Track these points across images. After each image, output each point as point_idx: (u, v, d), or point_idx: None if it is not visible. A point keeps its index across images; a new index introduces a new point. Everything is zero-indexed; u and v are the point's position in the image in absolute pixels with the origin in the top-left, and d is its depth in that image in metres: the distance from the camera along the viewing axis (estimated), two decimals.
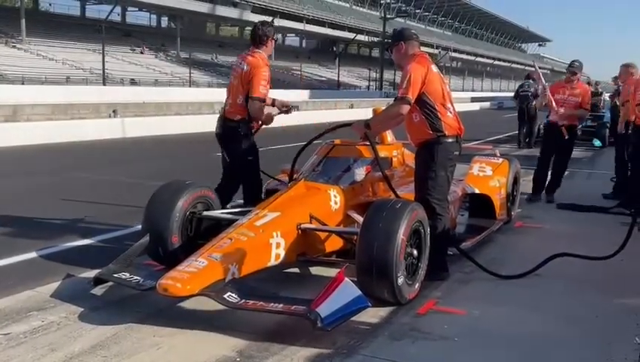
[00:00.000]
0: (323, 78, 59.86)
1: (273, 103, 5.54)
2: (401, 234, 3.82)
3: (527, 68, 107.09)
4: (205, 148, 14.87)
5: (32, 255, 5.13)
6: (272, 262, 4.04)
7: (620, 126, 8.24)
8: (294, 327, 3.54)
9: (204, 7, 48.27)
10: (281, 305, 3.51)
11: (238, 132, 5.26)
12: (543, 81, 8.55)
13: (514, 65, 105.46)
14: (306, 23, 58.49)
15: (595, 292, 4.40)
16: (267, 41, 5.37)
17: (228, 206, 5.30)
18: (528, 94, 15.88)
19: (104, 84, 33.53)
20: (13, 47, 38.51)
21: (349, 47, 68.32)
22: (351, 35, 63.37)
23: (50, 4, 52.81)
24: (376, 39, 64.63)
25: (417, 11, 79.95)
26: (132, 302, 3.99)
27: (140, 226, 4.68)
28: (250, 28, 59.06)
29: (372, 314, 3.78)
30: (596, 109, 14.84)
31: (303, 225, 4.24)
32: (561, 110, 7.79)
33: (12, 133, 14.14)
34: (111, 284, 4.13)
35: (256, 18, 53.46)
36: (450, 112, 4.59)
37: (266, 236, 4.01)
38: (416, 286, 4.13)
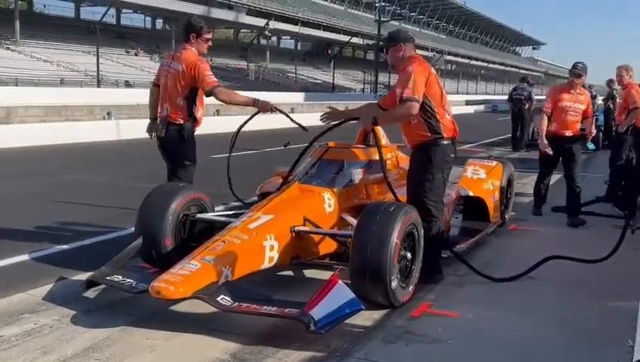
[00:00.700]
0: (318, 81, 59.90)
1: (254, 103, 5.34)
2: (395, 237, 3.82)
3: (521, 71, 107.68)
4: (199, 150, 14.86)
5: (25, 257, 5.11)
6: (266, 264, 4.03)
7: (620, 127, 7.91)
8: (288, 330, 3.54)
9: (199, 10, 48.19)
10: (274, 308, 3.50)
11: (182, 135, 5.18)
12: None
13: (508, 69, 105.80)
14: (301, 25, 58.56)
15: (587, 295, 4.41)
16: (199, 37, 5.25)
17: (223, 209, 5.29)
18: (522, 98, 15.91)
19: (98, 86, 33.45)
20: (7, 48, 38.40)
21: (344, 49, 68.29)
22: (346, 38, 63.43)
23: (44, 6, 52.78)
24: (370, 42, 64.70)
25: (412, 14, 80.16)
26: (125, 304, 3.97)
27: (133, 229, 4.67)
28: (245, 31, 59.19)
29: (366, 317, 3.77)
30: None
31: (296, 228, 4.23)
32: (570, 117, 6.88)
33: (5, 135, 14.08)
34: (104, 287, 4.12)
35: (251, 21, 53.86)
36: (448, 115, 4.62)
37: (259, 239, 4.00)
38: (410, 289, 4.13)
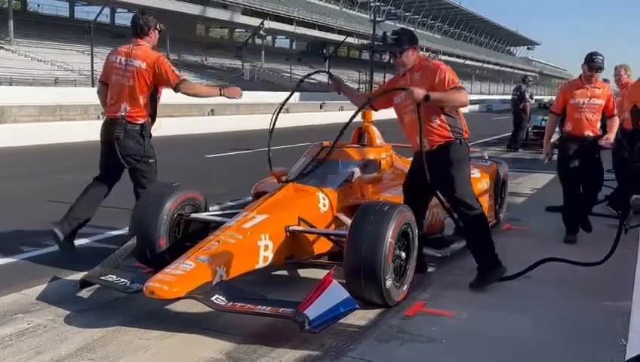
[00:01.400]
0: (313, 80, 59.84)
1: (221, 92, 5.27)
2: (389, 236, 3.83)
3: (515, 71, 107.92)
4: (194, 150, 14.89)
5: (19, 257, 5.09)
6: (260, 264, 4.03)
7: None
8: (282, 330, 3.54)
9: (194, 9, 48.19)
10: (269, 308, 3.50)
11: (143, 135, 5.08)
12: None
13: (503, 69, 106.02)
14: (296, 25, 58.54)
15: (582, 294, 4.42)
16: (149, 31, 5.11)
17: (217, 209, 5.28)
18: (515, 98, 15.98)
19: (93, 86, 33.25)
20: (1, 47, 38.26)
21: (339, 49, 68.35)
22: (341, 38, 63.43)
23: (38, 5, 52.52)
24: (366, 42, 64.70)
25: (407, 14, 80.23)
26: (119, 304, 3.97)
27: (127, 228, 4.66)
28: (240, 30, 59.11)
29: (360, 317, 3.78)
30: None
31: (291, 228, 4.23)
32: (585, 115, 5.97)
33: None
34: (98, 287, 4.11)
35: (246, 20, 53.80)
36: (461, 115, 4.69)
37: (254, 238, 4.00)
38: (405, 289, 4.14)
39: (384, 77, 62.41)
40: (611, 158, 7.79)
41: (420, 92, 4.24)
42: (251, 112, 29.05)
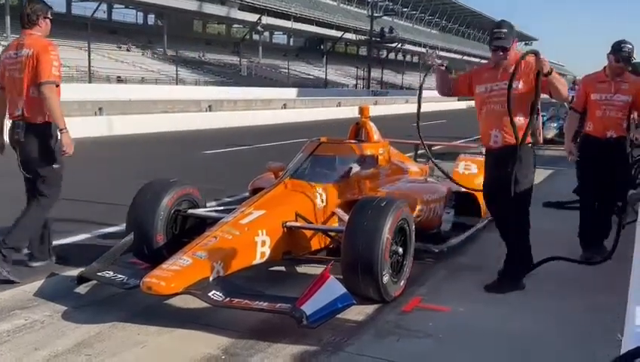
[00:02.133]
0: (311, 77, 59.86)
1: (60, 130, 4.73)
2: (386, 232, 3.84)
3: None
4: (191, 146, 14.88)
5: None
6: (258, 260, 4.04)
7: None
8: (280, 325, 3.55)
9: (191, 5, 48.06)
10: (266, 303, 3.51)
11: (45, 136, 4.66)
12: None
13: None
14: (294, 20, 58.45)
15: (579, 290, 4.43)
16: (39, 20, 4.49)
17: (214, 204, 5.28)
18: None
19: (90, 82, 33.34)
20: None
21: (337, 45, 68.35)
22: (338, 34, 63.45)
23: None
24: (363, 37, 64.67)
25: (404, 10, 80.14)
26: (116, 300, 3.98)
27: (124, 225, 4.66)
28: (238, 26, 58.91)
29: (358, 312, 3.79)
30: None
31: (288, 223, 4.24)
32: (607, 113, 5.10)
33: None
34: (95, 283, 4.11)
35: (244, 16, 53.70)
36: None
37: (251, 234, 4.00)
38: (402, 284, 4.15)
39: (381, 73, 62.49)
40: None
41: (546, 64, 4.11)
42: (248, 108, 29.04)
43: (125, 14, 56.78)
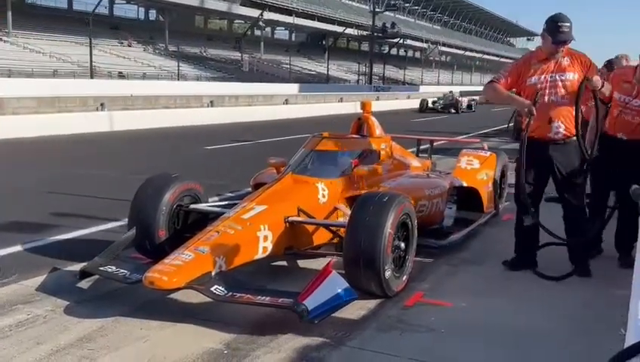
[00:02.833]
0: (312, 72, 59.76)
1: None
2: (388, 227, 3.83)
3: None
4: (193, 141, 14.89)
5: (18, 248, 5.09)
6: (260, 255, 4.04)
7: None
8: (282, 320, 3.55)
9: (192, 0, 47.95)
10: (268, 298, 3.51)
11: None
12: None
13: (503, 60, 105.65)
14: (296, 16, 58.32)
15: (582, 285, 4.42)
16: None
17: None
18: None
19: (92, 77, 33.29)
20: (0, 39, 38.14)
21: (339, 40, 68.18)
22: (340, 29, 63.26)
23: None
24: (365, 33, 64.54)
25: (406, 5, 79.91)
26: (119, 295, 3.98)
27: (126, 219, 4.66)
28: (239, 21, 58.70)
29: (360, 307, 3.79)
30: None
31: (290, 218, 4.23)
32: (624, 116, 4.72)
33: None
34: (97, 277, 4.11)
35: (245, 11, 53.64)
36: None
37: (253, 229, 4.00)
38: (404, 279, 4.15)
39: (383, 68, 62.38)
40: None
41: (597, 81, 4.33)
42: (250, 104, 29.01)
43: (127, 10, 56.69)
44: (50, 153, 11.94)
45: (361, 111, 5.69)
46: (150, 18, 58.53)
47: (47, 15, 46.04)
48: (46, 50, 39.01)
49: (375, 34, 60.34)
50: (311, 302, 3.38)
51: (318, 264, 4.43)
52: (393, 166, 5.45)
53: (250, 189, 5.60)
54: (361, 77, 62.58)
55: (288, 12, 57.37)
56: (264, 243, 4.04)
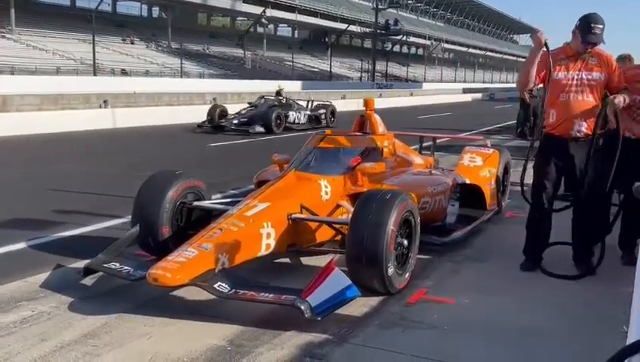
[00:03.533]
0: (315, 69, 59.70)
1: None
2: (391, 224, 3.84)
3: (518, 59, 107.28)
4: (196, 138, 14.88)
5: (22, 245, 5.11)
6: (263, 252, 4.05)
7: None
8: (285, 316, 3.55)
9: None
10: (271, 295, 3.52)
11: None
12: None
13: (506, 57, 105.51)
14: (298, 13, 58.27)
15: (584, 282, 4.43)
16: None
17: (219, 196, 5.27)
18: None
19: (95, 75, 33.31)
20: (3, 37, 38.17)
21: (341, 37, 68.08)
22: (343, 26, 63.14)
23: None
24: (368, 30, 64.45)
25: (409, 2, 79.76)
26: (122, 292, 3.99)
27: (130, 217, 4.68)
28: (242, 18, 58.59)
29: (362, 304, 3.79)
30: None
31: (293, 215, 4.24)
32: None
33: (1, 124, 14.04)
34: (101, 274, 4.13)
35: (248, 9, 53.58)
36: None
37: (256, 226, 4.01)
38: (407, 276, 4.15)
39: (386, 65, 62.30)
40: None
41: (619, 103, 4.36)
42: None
43: (130, 7, 56.67)
44: (54, 150, 11.96)
45: (364, 108, 5.69)
46: (153, 15, 58.51)
47: (50, 12, 46.06)
48: (49, 47, 39.04)
49: (378, 31, 60.26)
50: (314, 299, 3.39)
51: (320, 261, 4.44)
52: (396, 163, 5.45)
53: (253, 186, 5.61)
54: (363, 74, 62.52)
55: (291, 9, 57.31)
56: (267, 241, 4.05)
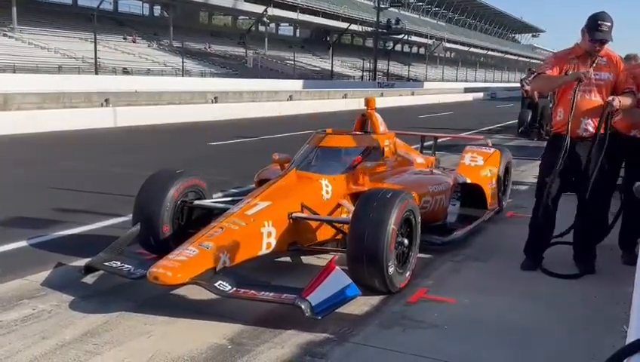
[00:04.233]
0: (316, 68, 59.72)
1: None
2: (392, 223, 3.84)
3: (520, 58, 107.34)
4: (197, 137, 14.89)
5: (23, 243, 5.11)
6: (264, 251, 4.05)
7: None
8: (285, 315, 3.55)
9: None
10: (272, 294, 3.52)
11: None
12: None
13: (507, 56, 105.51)
14: (300, 12, 58.31)
15: (585, 281, 4.43)
16: None
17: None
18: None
19: (96, 73, 33.36)
20: (5, 35, 38.24)
21: (343, 36, 68.10)
22: (344, 25, 63.21)
23: None
24: (369, 29, 64.43)
25: (411, 1, 79.80)
26: (123, 290, 4.00)
27: (131, 215, 4.68)
28: (243, 17, 58.83)
29: (363, 303, 3.80)
30: None
31: (294, 215, 4.24)
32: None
33: (3, 122, 14.05)
34: (102, 273, 4.14)
35: (250, 7, 53.63)
36: None
37: (257, 225, 4.01)
38: (407, 275, 4.15)
39: (387, 64, 62.29)
40: None
41: (623, 102, 4.36)
42: (254, 100, 29.00)
43: (131, 5, 56.77)
44: (55, 149, 11.97)
45: (365, 107, 5.69)
46: (155, 14, 58.56)
47: (51, 11, 46.14)
48: (51, 45, 39.10)
49: (379, 30, 60.23)
50: (314, 298, 3.40)
51: (321, 260, 4.44)
52: (397, 162, 5.45)
53: (254, 185, 5.61)
54: (365, 73, 62.50)
55: (292, 8, 57.35)
56: (268, 240, 4.05)
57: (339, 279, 3.53)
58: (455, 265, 4.78)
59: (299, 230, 4.31)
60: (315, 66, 60.46)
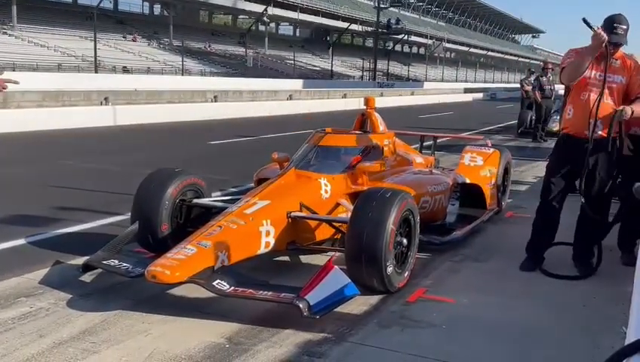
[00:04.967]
0: (316, 68, 59.73)
1: None
2: (391, 223, 3.83)
3: (520, 59, 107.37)
4: (196, 136, 14.88)
5: (21, 241, 5.10)
6: (262, 250, 4.04)
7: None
8: (284, 314, 3.55)
9: None
10: (270, 293, 3.52)
11: None
12: None
13: (507, 57, 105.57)
14: (300, 11, 58.31)
15: (583, 282, 4.42)
16: None
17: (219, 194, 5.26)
18: (533, 87, 15.16)
19: (96, 72, 33.36)
20: (5, 33, 38.23)
21: (343, 36, 68.12)
22: (345, 25, 63.26)
23: None
24: (369, 29, 64.44)
25: (411, 1, 79.81)
26: (121, 289, 3.99)
27: (129, 214, 4.67)
28: (244, 16, 58.88)
29: (361, 302, 3.79)
30: None
31: (293, 214, 4.23)
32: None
33: (2, 120, 14.03)
34: (100, 271, 4.13)
35: (250, 7, 53.65)
36: None
37: (255, 224, 4.01)
38: (406, 275, 4.15)
39: (387, 64, 62.32)
40: None
41: (635, 112, 4.27)
42: (254, 99, 28.99)
43: (131, 4, 56.76)
44: (54, 147, 11.95)
45: (365, 107, 5.68)
46: (155, 13, 58.57)
47: (51, 9, 46.13)
48: (50, 44, 39.10)
49: (379, 30, 60.24)
50: (313, 297, 3.39)
51: (320, 259, 4.44)
52: (396, 162, 5.44)
53: (253, 184, 5.61)
54: (365, 73, 62.51)
55: (293, 7, 57.35)
56: (266, 239, 4.04)
57: (337, 278, 3.52)
58: (454, 265, 4.77)
59: (297, 229, 4.30)
60: (314, 66, 60.46)
